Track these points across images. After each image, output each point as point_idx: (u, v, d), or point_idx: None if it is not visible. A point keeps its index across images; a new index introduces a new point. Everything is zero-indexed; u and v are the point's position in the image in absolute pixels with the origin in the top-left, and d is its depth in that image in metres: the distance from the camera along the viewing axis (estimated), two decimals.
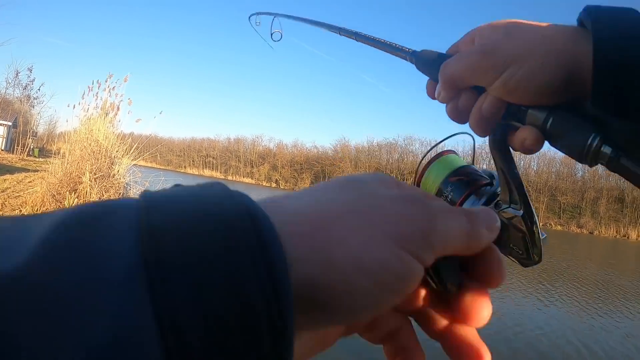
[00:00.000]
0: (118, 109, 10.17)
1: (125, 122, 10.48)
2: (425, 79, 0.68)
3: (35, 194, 9.35)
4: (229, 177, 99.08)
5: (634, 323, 9.16)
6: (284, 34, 1.37)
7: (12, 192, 11.23)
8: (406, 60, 0.75)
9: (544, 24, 0.56)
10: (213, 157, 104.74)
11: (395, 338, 0.36)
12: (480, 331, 0.35)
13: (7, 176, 15.22)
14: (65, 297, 0.19)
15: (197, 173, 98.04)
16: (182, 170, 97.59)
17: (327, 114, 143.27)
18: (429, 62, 0.68)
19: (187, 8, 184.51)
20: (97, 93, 10.25)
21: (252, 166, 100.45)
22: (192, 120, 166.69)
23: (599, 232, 60.75)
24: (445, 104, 0.63)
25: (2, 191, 11.47)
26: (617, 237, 58.64)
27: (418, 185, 0.77)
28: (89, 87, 10.33)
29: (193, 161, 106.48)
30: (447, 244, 0.31)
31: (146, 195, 0.26)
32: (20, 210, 8.73)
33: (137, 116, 10.85)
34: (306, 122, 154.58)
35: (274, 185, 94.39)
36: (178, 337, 0.20)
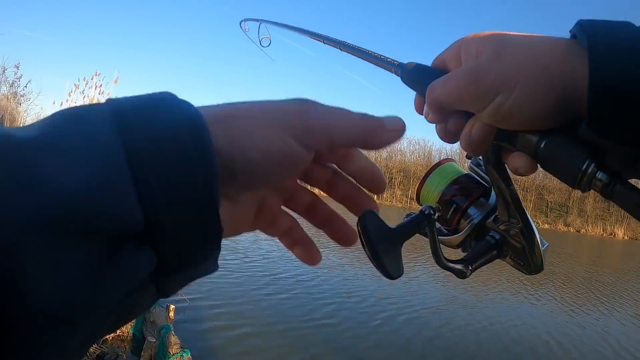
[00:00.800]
0: None
1: None
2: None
3: None
4: None
5: (610, 320, 9.38)
6: (275, 39, 1.38)
7: None
8: (391, 72, 0.72)
9: (535, 37, 0.50)
10: None
11: (289, 234, 0.50)
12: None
13: None
14: (68, 147, 0.28)
15: None
16: None
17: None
18: (415, 78, 0.64)
19: (182, 6, 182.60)
20: (83, 90, 10.11)
21: None
22: None
23: (585, 230, 60.75)
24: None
25: None
26: (604, 235, 58.62)
27: (418, 196, 0.79)
28: (75, 85, 10.19)
29: None
30: (333, 135, 0.40)
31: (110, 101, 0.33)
32: None
33: None
34: None
35: None
36: (141, 168, 0.29)
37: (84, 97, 9.91)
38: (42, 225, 0.25)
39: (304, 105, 0.40)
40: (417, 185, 0.79)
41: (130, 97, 0.33)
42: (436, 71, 0.59)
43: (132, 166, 0.29)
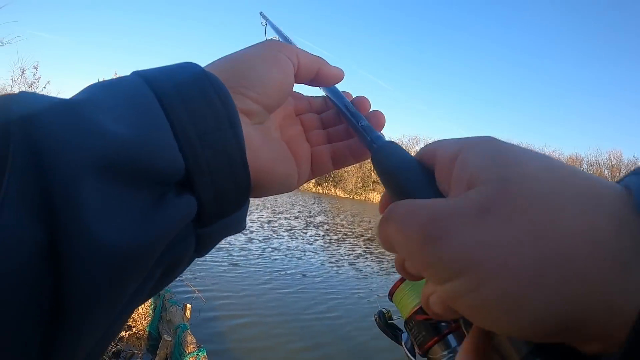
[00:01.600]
0: None
1: None
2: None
3: None
4: None
5: None
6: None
7: None
8: (364, 143, 0.54)
9: (571, 192, 0.31)
10: None
11: (338, 157, 0.56)
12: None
13: None
14: (113, 104, 0.33)
15: None
16: None
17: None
18: (385, 170, 0.47)
19: (197, 8, 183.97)
20: None
21: None
22: None
23: None
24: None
25: None
26: None
27: (391, 297, 0.69)
28: None
29: None
30: (299, 55, 0.49)
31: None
32: None
33: None
34: None
35: None
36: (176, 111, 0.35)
37: None
38: (102, 168, 0.29)
39: (275, 40, 0.55)
40: (395, 283, 0.68)
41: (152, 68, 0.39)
42: (417, 173, 0.42)
43: (168, 116, 0.34)
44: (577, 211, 0.29)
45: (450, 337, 0.61)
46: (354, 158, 0.55)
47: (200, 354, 4.22)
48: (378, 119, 0.56)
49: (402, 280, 0.67)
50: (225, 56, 0.44)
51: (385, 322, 0.74)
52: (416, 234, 0.33)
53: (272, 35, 1.34)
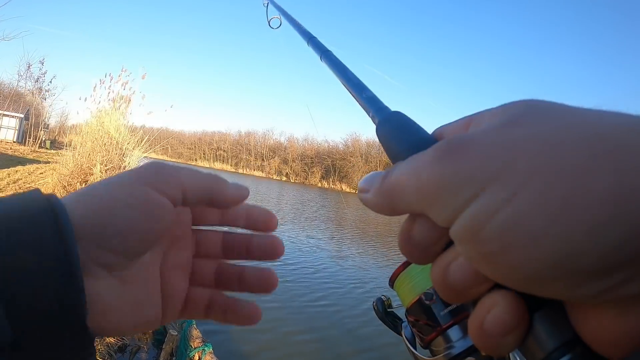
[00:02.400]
0: (130, 101, 10.25)
1: (136, 115, 10.56)
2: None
3: (46, 184, 9.47)
4: (240, 171, 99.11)
5: None
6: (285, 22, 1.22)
7: (24, 183, 11.37)
8: (369, 115, 0.51)
9: (598, 111, 0.27)
10: (224, 150, 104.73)
11: (212, 307, 0.48)
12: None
13: (19, 167, 15.40)
14: None
15: (208, 166, 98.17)
16: (193, 163, 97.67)
17: (339, 108, 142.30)
18: (391, 139, 0.42)
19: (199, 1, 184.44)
20: (109, 86, 10.36)
21: (263, 159, 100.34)
22: (203, 113, 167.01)
23: None
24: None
25: (14, 182, 11.60)
26: None
27: (392, 283, 0.64)
28: (100, 80, 10.44)
29: (204, 154, 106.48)
30: (184, 185, 0.41)
31: None
32: None
33: (148, 109, 10.98)
34: (317, 116, 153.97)
35: (284, 179, 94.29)
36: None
37: (110, 92, 10.13)
38: None
39: (156, 165, 0.42)
40: (398, 267, 0.63)
41: None
42: (425, 141, 0.37)
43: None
44: (616, 115, 0.26)
45: (455, 329, 0.56)
46: (233, 319, 0.49)
47: (206, 348, 4.20)
48: (275, 248, 0.49)
49: (404, 266, 0.62)
50: (91, 194, 0.38)
51: (384, 310, 0.70)
52: (430, 156, 0.30)
53: (274, 13, 1.33)
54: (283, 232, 15.81)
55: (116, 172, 8.67)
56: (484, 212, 0.26)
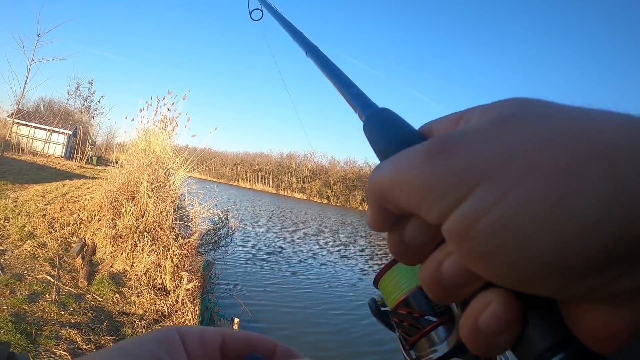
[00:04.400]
0: (177, 124, 10.46)
1: (181, 136, 10.76)
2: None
3: (93, 199, 9.66)
4: (281, 192, 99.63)
5: None
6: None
7: (71, 197, 11.66)
8: (356, 112, 0.50)
9: (593, 110, 0.27)
10: (265, 172, 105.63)
11: None
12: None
13: (67, 182, 15.84)
14: None
15: (249, 187, 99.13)
16: (234, 184, 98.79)
17: None
18: (377, 135, 0.41)
19: (242, 23, 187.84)
20: (156, 108, 10.60)
21: (304, 182, 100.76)
22: (245, 135, 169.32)
23: None
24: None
25: (62, 195, 11.93)
26: None
27: (376, 283, 0.62)
28: (147, 103, 10.70)
29: (246, 175, 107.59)
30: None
31: None
32: (78, 214, 9.07)
33: (193, 130, 11.19)
34: (358, 138, 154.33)
35: (325, 201, 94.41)
36: None
37: (156, 113, 10.39)
38: None
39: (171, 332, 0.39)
40: (382, 268, 0.61)
41: None
42: (412, 137, 0.37)
43: None
44: (606, 114, 0.26)
45: (440, 330, 0.54)
46: None
47: None
48: None
49: (388, 267, 0.60)
50: None
51: (377, 309, 0.68)
52: (421, 153, 0.29)
53: (256, 5, 1.26)
54: (326, 255, 15.80)
55: (162, 190, 8.84)
56: (476, 211, 0.25)
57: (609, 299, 0.25)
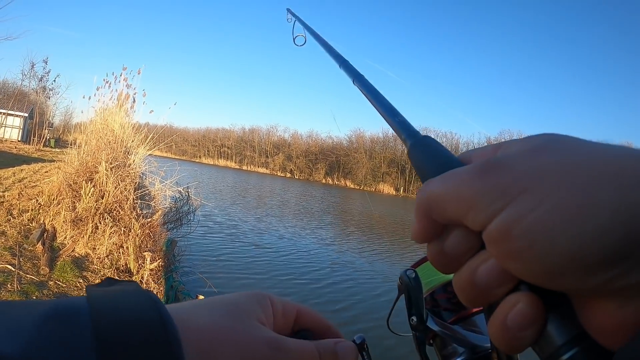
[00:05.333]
0: (134, 100, 10.25)
1: (140, 113, 10.56)
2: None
3: (51, 183, 9.44)
4: (244, 167, 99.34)
5: None
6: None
7: (29, 181, 11.39)
8: (400, 138, 0.55)
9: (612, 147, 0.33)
10: (228, 147, 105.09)
11: None
12: None
13: (24, 166, 15.47)
14: None
15: (212, 163, 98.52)
16: (197, 160, 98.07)
17: (343, 104, 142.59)
18: (422, 160, 0.47)
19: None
20: (111, 85, 10.37)
21: (267, 156, 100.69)
22: (207, 111, 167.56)
23: None
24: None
25: (19, 181, 11.64)
26: None
27: (415, 268, 0.64)
28: (104, 80, 10.45)
29: (208, 151, 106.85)
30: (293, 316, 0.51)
31: (93, 298, 0.38)
32: (37, 199, 8.85)
33: (151, 107, 10.97)
34: (321, 112, 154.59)
35: (288, 175, 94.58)
36: None
37: (113, 91, 10.16)
38: None
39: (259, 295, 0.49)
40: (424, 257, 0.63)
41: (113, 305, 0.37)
42: (454, 162, 0.42)
43: None
44: (621, 148, 0.32)
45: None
46: None
47: None
48: None
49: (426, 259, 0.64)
50: (208, 330, 0.42)
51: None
52: (471, 171, 0.35)
53: (300, 31, 1.37)
54: (289, 229, 15.90)
55: (121, 170, 8.68)
56: (515, 216, 0.31)
57: (616, 293, 0.30)
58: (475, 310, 0.59)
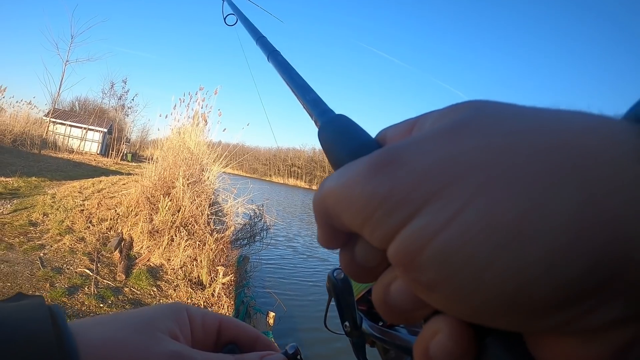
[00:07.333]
0: (207, 119, 10.55)
1: (214, 132, 10.85)
2: None
3: (129, 195, 9.79)
4: (314, 187, 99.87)
5: None
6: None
7: (108, 192, 11.84)
8: (312, 118, 0.49)
9: (555, 111, 0.24)
10: (298, 167, 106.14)
11: None
12: None
13: (103, 178, 16.11)
14: None
15: (282, 182, 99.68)
16: (267, 179, 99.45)
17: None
18: (331, 143, 0.39)
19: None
20: (188, 104, 10.72)
21: None
22: (277, 130, 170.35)
23: None
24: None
25: (98, 191, 12.13)
26: None
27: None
28: (180, 99, 10.82)
29: (278, 170, 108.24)
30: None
31: None
32: (115, 210, 9.19)
33: (225, 126, 11.26)
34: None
35: None
36: None
37: (188, 109, 10.52)
38: None
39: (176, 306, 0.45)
40: None
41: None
42: (367, 146, 0.34)
43: None
44: (576, 116, 0.23)
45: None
46: None
47: None
48: None
49: None
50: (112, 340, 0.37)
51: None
52: (363, 168, 0.25)
53: (230, 11, 1.28)
54: None
55: (197, 185, 8.91)
56: (422, 235, 0.22)
57: (578, 333, 0.22)
58: None
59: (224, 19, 1.30)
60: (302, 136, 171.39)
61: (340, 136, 0.38)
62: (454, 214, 0.21)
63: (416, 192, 0.23)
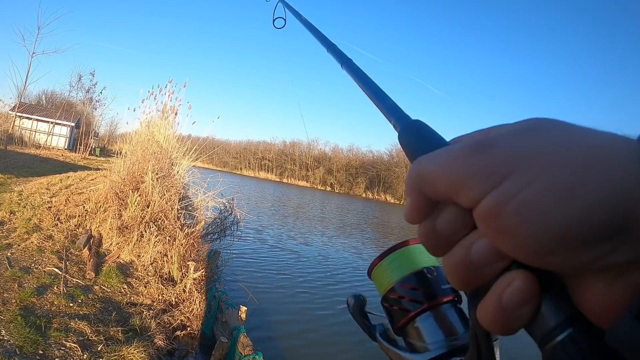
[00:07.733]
0: (177, 112, 10.45)
1: (183, 125, 10.76)
2: None
3: (98, 191, 9.67)
4: (284, 180, 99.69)
5: None
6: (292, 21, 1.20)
7: (76, 188, 11.68)
8: (390, 122, 0.54)
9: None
10: (269, 160, 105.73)
11: None
12: None
13: (71, 173, 15.88)
14: None
15: (252, 175, 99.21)
16: (238, 172, 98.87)
17: (383, 118, 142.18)
18: (412, 141, 0.47)
19: (244, 12, 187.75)
20: (156, 97, 10.60)
21: (308, 169, 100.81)
22: (248, 123, 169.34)
23: None
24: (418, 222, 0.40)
25: (66, 187, 11.96)
26: None
27: (370, 273, 0.64)
28: (149, 92, 10.69)
29: (249, 163, 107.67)
30: None
31: None
32: (84, 206, 9.08)
33: (195, 119, 11.17)
34: (362, 126, 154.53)
35: (328, 189, 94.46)
36: None
37: (157, 102, 10.40)
38: None
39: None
40: (375, 259, 0.63)
41: None
42: (446, 144, 0.43)
43: None
44: (609, 134, 0.33)
45: (425, 317, 0.56)
46: None
47: (257, 357, 4.20)
48: None
49: (382, 257, 0.62)
50: None
51: (360, 307, 0.68)
52: (460, 149, 0.36)
53: (281, 14, 1.33)
54: (331, 244, 15.88)
55: (166, 180, 8.84)
56: (506, 195, 0.32)
57: (605, 272, 0.31)
58: (445, 299, 0.56)
59: (273, 21, 1.32)
60: (274, 130, 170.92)
61: (422, 137, 0.46)
62: (528, 182, 0.31)
63: (504, 166, 0.33)
